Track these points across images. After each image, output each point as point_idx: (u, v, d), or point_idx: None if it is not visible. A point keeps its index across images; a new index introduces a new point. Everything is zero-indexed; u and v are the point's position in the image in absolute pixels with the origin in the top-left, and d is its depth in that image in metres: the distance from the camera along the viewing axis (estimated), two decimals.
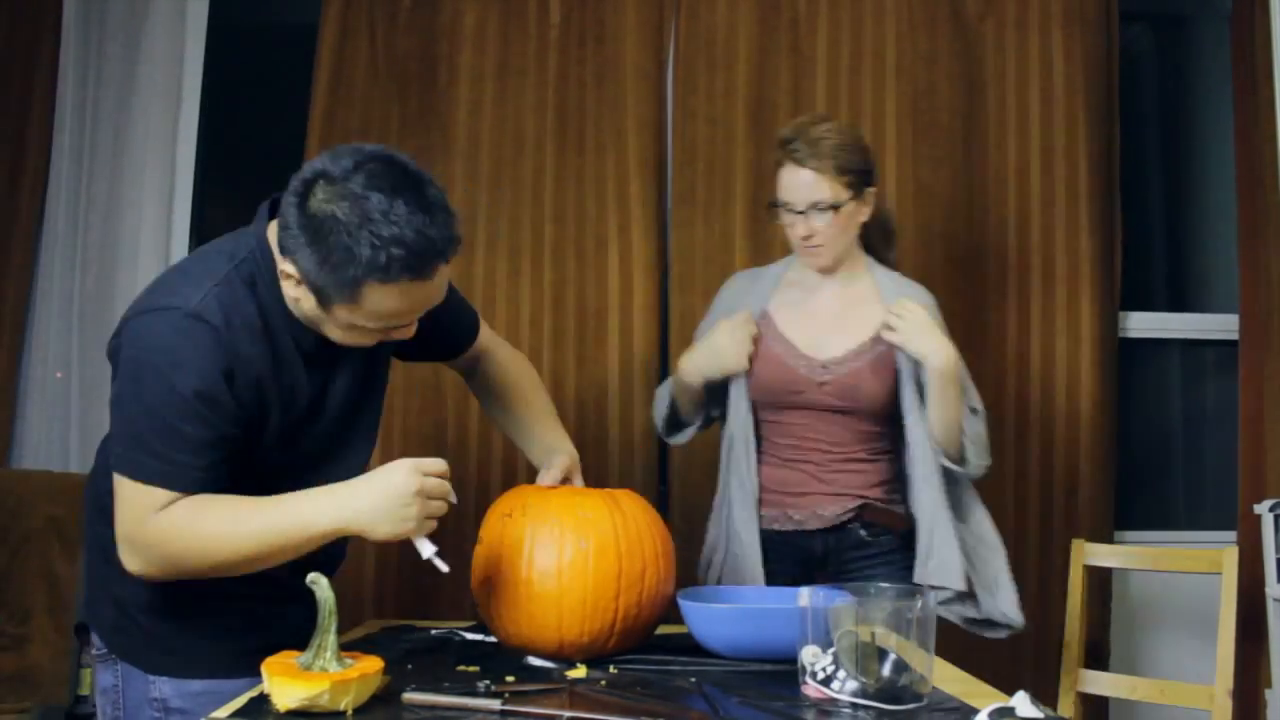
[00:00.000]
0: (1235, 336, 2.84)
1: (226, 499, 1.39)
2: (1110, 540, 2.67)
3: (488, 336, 1.83)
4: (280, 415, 1.47)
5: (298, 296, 1.40)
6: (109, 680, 1.54)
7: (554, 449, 1.72)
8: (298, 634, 1.51)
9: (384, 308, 1.36)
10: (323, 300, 1.37)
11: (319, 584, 1.27)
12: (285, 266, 1.38)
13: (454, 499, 1.41)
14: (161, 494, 1.36)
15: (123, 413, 1.40)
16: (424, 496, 1.36)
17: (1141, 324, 2.90)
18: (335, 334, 1.43)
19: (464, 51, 2.71)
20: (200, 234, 2.81)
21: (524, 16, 2.73)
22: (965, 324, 2.69)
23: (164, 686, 1.50)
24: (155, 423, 1.36)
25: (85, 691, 2.36)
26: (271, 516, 1.37)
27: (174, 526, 1.36)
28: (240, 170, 3.14)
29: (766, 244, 2.68)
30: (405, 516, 1.35)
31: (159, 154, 2.72)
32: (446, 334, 1.74)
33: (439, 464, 1.39)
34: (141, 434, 1.37)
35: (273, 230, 1.44)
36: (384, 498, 1.35)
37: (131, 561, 1.39)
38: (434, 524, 1.38)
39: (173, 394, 1.35)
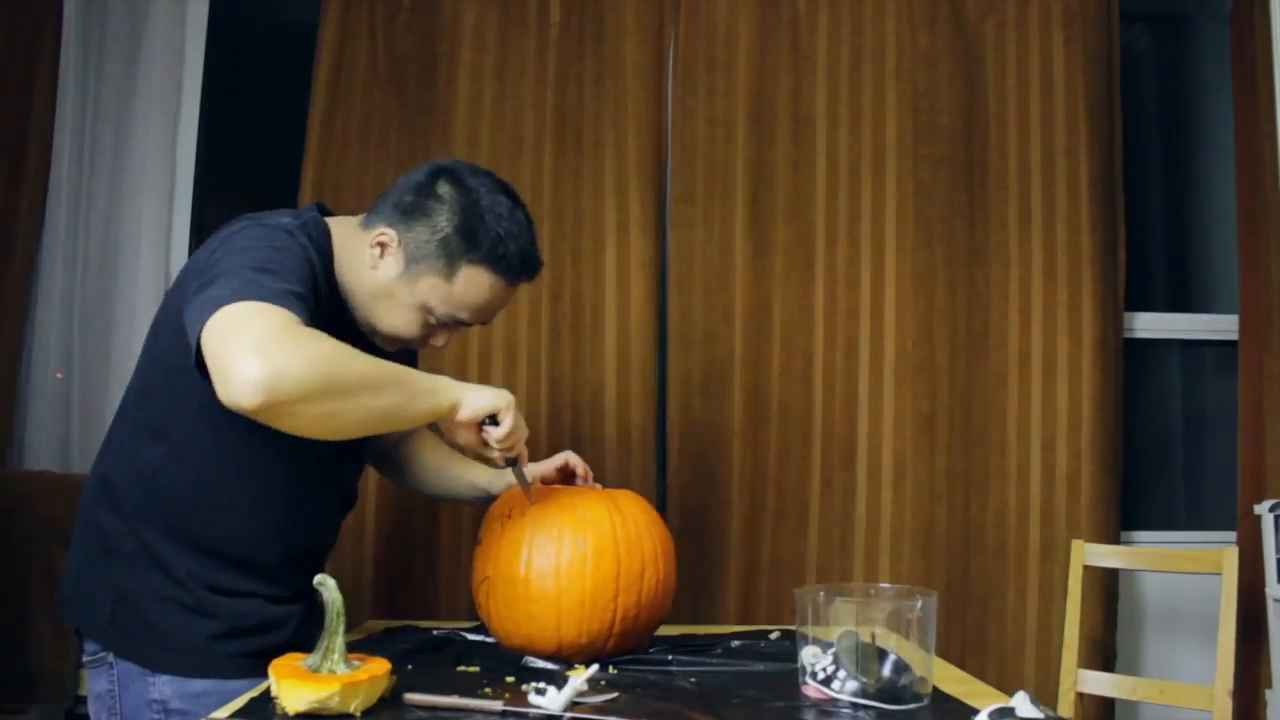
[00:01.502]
0: (1235, 336, 2.84)
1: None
2: (1117, 541, 2.67)
3: None
4: None
5: (378, 266, 1.49)
6: (103, 685, 1.52)
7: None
8: (298, 635, 1.52)
9: (467, 294, 1.49)
10: (412, 271, 1.48)
11: (326, 585, 1.27)
12: (385, 232, 1.48)
13: (514, 464, 1.52)
14: (286, 312, 1.27)
15: (224, 271, 1.32)
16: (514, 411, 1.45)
17: (1142, 324, 2.90)
18: (387, 316, 1.51)
19: (464, 51, 2.71)
20: (200, 234, 2.81)
21: (524, 16, 2.73)
22: (966, 323, 2.70)
23: (164, 687, 1.49)
24: (262, 273, 1.31)
25: (85, 692, 2.36)
26: (400, 366, 1.38)
27: (321, 335, 1.28)
28: (240, 170, 3.14)
29: (765, 244, 2.68)
30: (496, 395, 1.43)
31: (159, 154, 2.72)
32: None
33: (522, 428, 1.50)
34: (249, 279, 1.30)
35: (335, 222, 1.55)
36: (490, 390, 1.44)
37: (259, 364, 1.19)
38: (516, 450, 1.48)
39: (274, 259, 1.34)
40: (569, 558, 1.51)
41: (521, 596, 1.51)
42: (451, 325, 1.54)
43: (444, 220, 1.47)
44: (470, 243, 1.47)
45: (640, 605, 1.55)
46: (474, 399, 1.41)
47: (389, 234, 1.48)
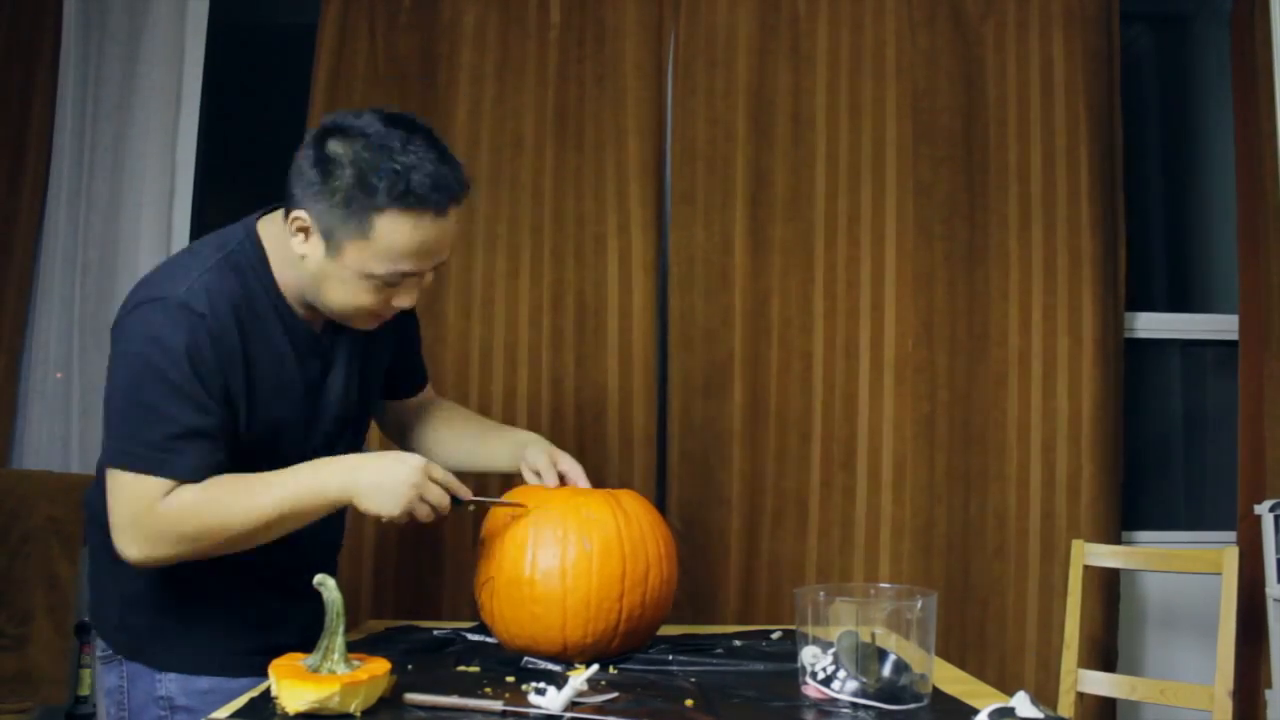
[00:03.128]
0: (1235, 336, 2.84)
1: (232, 477, 1.41)
2: (1118, 541, 2.67)
3: (431, 390, 1.91)
4: (272, 405, 1.48)
5: (305, 252, 1.42)
6: (114, 681, 1.55)
7: (524, 442, 1.73)
8: (305, 634, 1.52)
9: (395, 243, 1.38)
10: (333, 244, 1.39)
11: (326, 585, 1.27)
12: (297, 215, 1.40)
13: (463, 505, 1.48)
14: (159, 482, 1.36)
15: (114, 405, 1.41)
16: (419, 495, 1.41)
17: (1143, 324, 2.90)
18: (338, 296, 1.44)
19: (464, 51, 2.71)
20: (200, 234, 2.79)
21: (524, 16, 2.73)
22: (965, 324, 2.70)
23: (170, 685, 1.50)
24: (146, 411, 1.37)
25: (85, 692, 2.36)
26: (283, 487, 1.40)
27: (185, 508, 1.36)
28: (240, 170, 3.14)
29: (765, 244, 2.68)
30: (395, 502, 1.40)
31: (159, 154, 2.72)
32: (413, 363, 1.83)
33: (447, 476, 1.45)
34: (133, 424, 1.38)
35: (266, 223, 1.50)
36: (386, 477, 1.40)
37: (133, 549, 1.38)
38: (422, 517, 1.43)
39: (160, 380, 1.36)
40: (574, 558, 1.50)
41: (526, 597, 1.51)
42: (403, 280, 1.44)
43: (338, 180, 1.36)
44: (368, 191, 1.35)
45: (645, 605, 1.55)
46: (366, 501, 1.41)
47: (300, 216, 1.40)
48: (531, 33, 2.72)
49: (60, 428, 2.63)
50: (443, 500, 1.44)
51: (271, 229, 1.50)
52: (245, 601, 1.53)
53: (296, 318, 1.50)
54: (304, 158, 1.41)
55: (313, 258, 1.42)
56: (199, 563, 1.49)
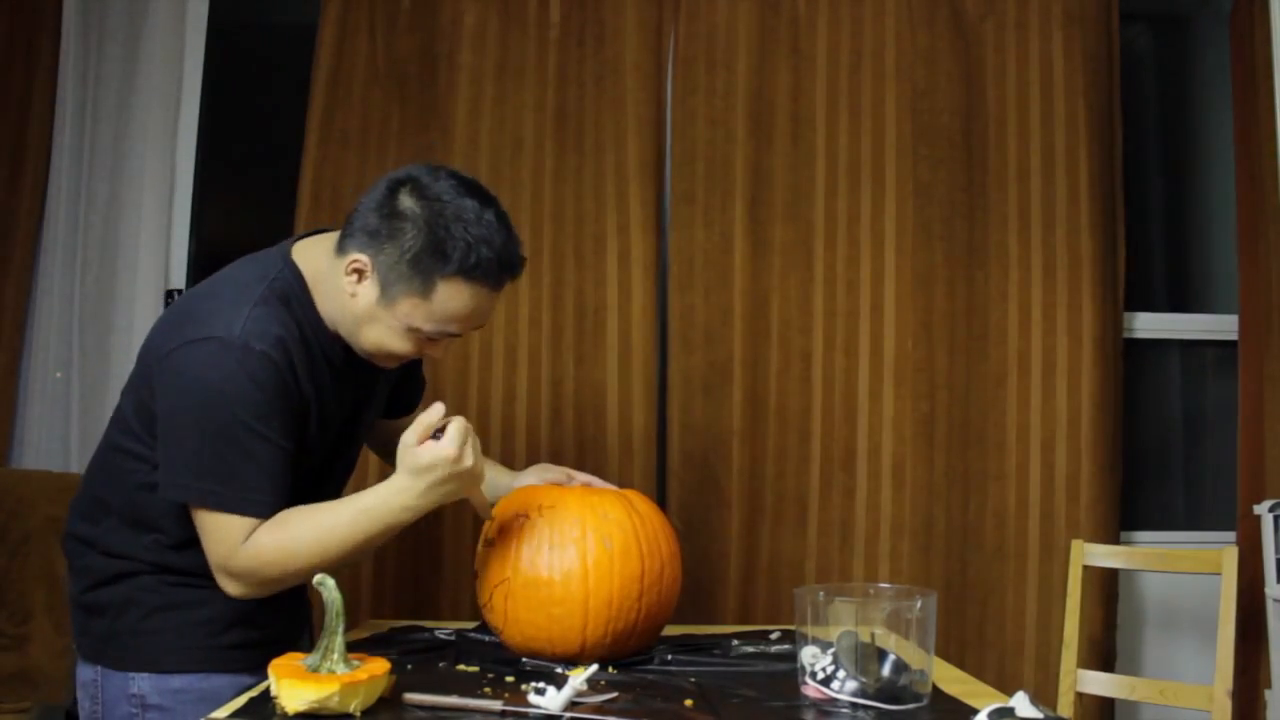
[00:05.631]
0: (1235, 337, 2.84)
1: (301, 512, 1.44)
2: (1116, 541, 2.67)
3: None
4: (317, 427, 1.51)
5: (356, 292, 1.45)
6: (88, 674, 1.55)
7: (527, 470, 1.77)
8: (277, 629, 1.53)
9: (450, 308, 1.43)
10: (389, 294, 1.43)
11: (326, 585, 1.27)
12: (357, 259, 1.43)
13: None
14: (241, 522, 1.40)
15: (183, 446, 1.41)
16: (456, 460, 1.41)
17: (1142, 324, 2.90)
18: (376, 338, 1.48)
19: (463, 51, 2.71)
20: (200, 234, 2.80)
21: (524, 16, 2.73)
22: (965, 324, 2.70)
23: (142, 683, 1.50)
24: (222, 452, 1.39)
25: None
26: (354, 525, 1.43)
27: (264, 552, 1.41)
28: (240, 170, 3.14)
29: (765, 244, 2.68)
30: (459, 477, 1.42)
31: (159, 154, 2.72)
32: (415, 383, 1.85)
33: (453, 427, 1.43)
34: (208, 464, 1.39)
35: (301, 251, 1.52)
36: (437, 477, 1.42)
37: (231, 586, 1.43)
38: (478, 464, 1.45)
39: (235, 423, 1.38)
40: (595, 557, 1.50)
41: (545, 599, 1.49)
42: (444, 338, 1.50)
43: (410, 239, 1.40)
44: (440, 257, 1.40)
45: (660, 604, 1.55)
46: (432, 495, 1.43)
47: (361, 260, 1.43)
48: (531, 33, 2.72)
49: (60, 427, 2.63)
50: (465, 442, 1.43)
51: (310, 259, 1.52)
52: (201, 598, 1.52)
53: (335, 348, 1.53)
54: (372, 204, 1.44)
55: (363, 300, 1.45)
56: (155, 554, 1.51)
